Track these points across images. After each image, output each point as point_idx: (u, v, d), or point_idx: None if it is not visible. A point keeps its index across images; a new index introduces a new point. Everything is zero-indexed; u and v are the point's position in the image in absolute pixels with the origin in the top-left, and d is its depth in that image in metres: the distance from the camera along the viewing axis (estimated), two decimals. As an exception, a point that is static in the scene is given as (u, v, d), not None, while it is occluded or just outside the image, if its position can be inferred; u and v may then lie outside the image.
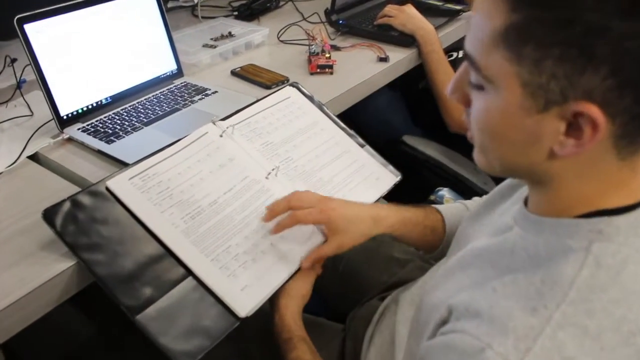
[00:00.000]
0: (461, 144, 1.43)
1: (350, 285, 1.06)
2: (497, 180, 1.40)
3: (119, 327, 0.93)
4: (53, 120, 1.00)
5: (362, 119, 1.49)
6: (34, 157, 0.97)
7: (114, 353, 1.45)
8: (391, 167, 1.07)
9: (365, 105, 1.32)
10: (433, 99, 1.42)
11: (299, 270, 0.84)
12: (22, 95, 1.14)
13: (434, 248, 0.89)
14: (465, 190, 1.33)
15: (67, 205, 0.77)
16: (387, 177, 1.04)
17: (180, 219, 0.81)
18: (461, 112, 1.34)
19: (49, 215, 0.75)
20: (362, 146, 1.07)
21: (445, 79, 1.35)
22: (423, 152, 1.40)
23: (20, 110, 1.11)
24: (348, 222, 0.84)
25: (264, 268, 0.81)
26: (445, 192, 1.16)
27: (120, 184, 0.81)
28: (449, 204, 0.94)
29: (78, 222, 0.76)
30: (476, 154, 0.59)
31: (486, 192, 1.37)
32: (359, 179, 1.01)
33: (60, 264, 0.74)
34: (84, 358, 1.41)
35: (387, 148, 1.46)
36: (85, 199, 0.79)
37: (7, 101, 1.14)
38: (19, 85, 1.16)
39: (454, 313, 0.57)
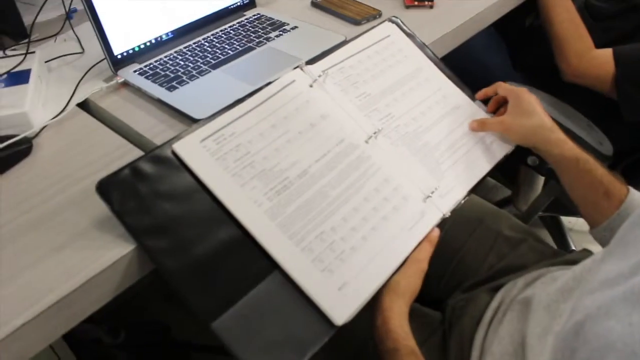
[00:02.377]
0: (572, 95, 1.17)
1: (450, 265, 0.87)
2: (615, 141, 1.15)
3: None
4: (105, 60, 0.81)
5: (451, 64, 1.24)
6: (84, 105, 0.79)
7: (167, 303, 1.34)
8: None
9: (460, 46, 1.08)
10: (542, 40, 1.16)
11: (405, 261, 0.65)
12: (72, 28, 0.95)
13: (598, 219, 0.69)
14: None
15: (126, 175, 0.59)
16: (503, 139, 0.82)
17: (263, 194, 0.62)
18: (581, 57, 1.09)
19: (104, 188, 0.58)
20: (473, 100, 0.85)
21: (565, 17, 1.09)
22: (529, 104, 1.15)
23: (70, 46, 0.92)
24: (533, 107, 0.77)
25: (366, 260, 0.62)
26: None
27: (189, 148, 0.63)
28: None
29: (140, 197, 0.58)
30: None
31: (601, 154, 1.14)
32: (471, 143, 0.79)
33: (115, 250, 0.57)
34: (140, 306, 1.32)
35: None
36: (147, 167, 0.61)
37: (55, 34, 0.96)
38: (69, 15, 0.97)
39: None
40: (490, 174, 0.80)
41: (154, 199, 0.59)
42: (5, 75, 0.77)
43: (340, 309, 0.58)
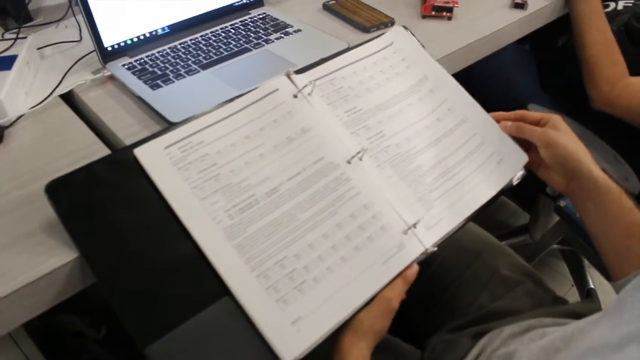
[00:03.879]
0: (600, 123, 1.08)
1: (439, 299, 0.80)
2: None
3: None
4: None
5: (477, 75, 1.17)
6: (68, 96, 0.76)
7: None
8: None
9: (485, 57, 1.01)
10: (574, 62, 1.07)
11: (374, 297, 0.59)
12: (74, 15, 0.93)
13: (625, 268, 0.62)
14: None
15: (79, 178, 0.56)
16: (514, 158, 0.74)
17: (224, 211, 0.57)
18: (613, 85, 1.00)
19: (54, 189, 0.55)
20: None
21: (599, 39, 1.00)
22: (552, 130, 1.06)
23: (70, 33, 0.90)
24: (573, 134, 0.70)
25: (328, 293, 0.57)
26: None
27: (152, 154, 0.58)
28: None
29: (90, 203, 0.55)
30: None
31: (627, 191, 1.04)
32: (473, 165, 0.72)
33: (57, 257, 0.54)
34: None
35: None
36: (104, 171, 0.57)
37: (58, 20, 0.94)
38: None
39: None
40: (491, 203, 0.72)
41: (105, 207, 0.55)
42: (-10, 60, 0.75)
43: (291, 345, 0.53)
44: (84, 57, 0.81)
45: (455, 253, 0.82)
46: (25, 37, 0.80)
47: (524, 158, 0.74)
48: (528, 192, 1.15)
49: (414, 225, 0.63)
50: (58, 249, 0.54)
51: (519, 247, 1.31)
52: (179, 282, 0.54)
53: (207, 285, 0.54)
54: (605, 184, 0.66)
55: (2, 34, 0.86)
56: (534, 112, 0.73)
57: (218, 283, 0.54)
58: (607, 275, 0.87)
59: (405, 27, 0.81)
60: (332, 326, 0.56)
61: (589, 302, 0.76)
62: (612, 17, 1.06)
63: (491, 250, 0.82)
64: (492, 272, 0.79)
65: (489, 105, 0.79)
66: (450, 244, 0.81)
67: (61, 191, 0.55)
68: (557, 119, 0.72)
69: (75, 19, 0.92)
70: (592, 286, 1.30)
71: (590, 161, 0.68)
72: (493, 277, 0.79)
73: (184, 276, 0.54)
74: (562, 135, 0.69)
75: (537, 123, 0.72)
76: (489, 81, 1.18)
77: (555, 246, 1.21)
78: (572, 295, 1.39)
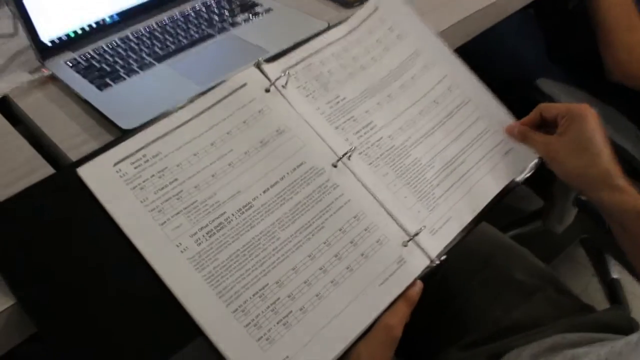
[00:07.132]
0: (619, 96, 1.04)
1: (447, 313, 0.76)
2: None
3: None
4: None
5: (479, 48, 1.11)
6: (2, 103, 0.70)
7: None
8: None
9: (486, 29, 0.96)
10: (584, 27, 1.02)
11: (373, 324, 0.55)
12: (7, 5, 0.86)
13: None
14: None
15: (12, 209, 0.51)
16: (525, 149, 0.69)
17: (190, 236, 0.52)
18: (631, 53, 0.95)
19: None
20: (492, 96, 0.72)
21: (615, 1, 0.95)
22: (565, 107, 1.02)
23: (4, 25, 0.83)
24: (589, 140, 0.62)
25: (319, 325, 0.52)
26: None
27: (99, 173, 0.53)
28: None
29: (28, 239, 0.50)
30: None
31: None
32: (477, 155, 0.67)
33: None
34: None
35: (514, 92, 1.09)
36: (43, 198, 0.52)
37: (-12, 11, 0.87)
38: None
39: None
40: (502, 199, 0.68)
41: (46, 242, 0.50)
42: None
43: (278, 393, 0.49)
44: (18, 54, 0.75)
45: (462, 257, 0.77)
46: (-53, 35, 0.74)
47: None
48: (542, 175, 1.10)
49: (417, 233, 0.58)
50: (-8, 296, 0.49)
51: (535, 242, 1.27)
52: (141, 326, 0.49)
53: (176, 326, 0.50)
54: (619, 203, 0.61)
55: None
56: (554, 106, 0.67)
57: (189, 322, 0.50)
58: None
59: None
60: (326, 365, 0.51)
61: (618, 309, 0.72)
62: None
63: (504, 251, 0.78)
64: (507, 280, 0.75)
65: (494, 84, 0.74)
66: (450, 255, 0.76)
67: (-8, 227, 0.49)
68: (574, 118, 0.63)
69: (9, 8, 0.85)
70: (614, 276, 1.26)
71: (599, 180, 0.62)
72: (508, 285, 0.74)
73: (147, 318, 0.50)
74: (566, 150, 0.63)
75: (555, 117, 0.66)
76: (491, 56, 1.13)
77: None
78: (594, 286, 1.36)
